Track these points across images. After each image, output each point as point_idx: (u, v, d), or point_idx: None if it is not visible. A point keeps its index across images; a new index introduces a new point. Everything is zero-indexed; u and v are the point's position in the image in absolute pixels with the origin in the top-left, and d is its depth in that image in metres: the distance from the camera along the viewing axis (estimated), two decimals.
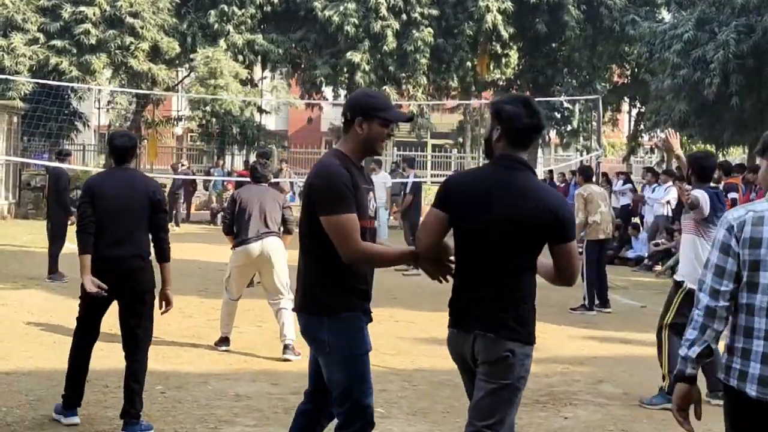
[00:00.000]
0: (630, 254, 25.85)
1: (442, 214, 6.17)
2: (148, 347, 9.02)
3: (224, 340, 12.91)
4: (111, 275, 8.63)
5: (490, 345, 5.93)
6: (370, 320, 6.49)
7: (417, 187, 25.54)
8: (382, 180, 26.84)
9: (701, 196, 10.18)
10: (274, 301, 12.67)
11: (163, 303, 9.01)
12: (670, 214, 25.01)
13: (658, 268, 23.68)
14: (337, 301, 6.30)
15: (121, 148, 8.98)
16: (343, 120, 6.55)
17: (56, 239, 18.72)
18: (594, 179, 25.21)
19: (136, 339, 8.86)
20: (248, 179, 15.25)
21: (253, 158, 38.12)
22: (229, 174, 38.01)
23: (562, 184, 32.05)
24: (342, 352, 6.24)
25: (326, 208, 6.27)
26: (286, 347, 12.43)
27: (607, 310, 16.88)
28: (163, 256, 9.08)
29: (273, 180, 15.49)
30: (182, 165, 38.41)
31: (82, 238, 8.73)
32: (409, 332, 14.43)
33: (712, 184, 11.14)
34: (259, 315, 14.97)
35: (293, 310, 6.80)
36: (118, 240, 8.73)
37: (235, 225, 12.66)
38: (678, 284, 10.16)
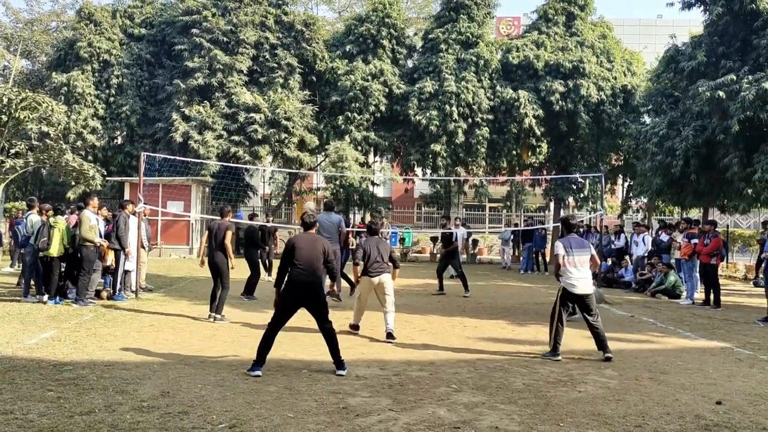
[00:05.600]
0: (623, 279, 25.72)
1: None
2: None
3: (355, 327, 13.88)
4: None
5: None
6: None
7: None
8: (462, 232, 27.50)
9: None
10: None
11: None
12: (646, 253, 25.14)
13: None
14: None
15: (308, 223, 10.62)
16: None
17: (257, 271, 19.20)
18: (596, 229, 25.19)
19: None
20: (364, 230, 17.01)
21: (368, 218, 40.61)
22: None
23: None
24: None
25: None
26: (389, 334, 13.10)
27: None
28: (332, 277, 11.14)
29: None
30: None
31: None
32: (473, 333, 14.16)
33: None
34: (372, 321, 15.25)
35: None
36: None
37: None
38: None
